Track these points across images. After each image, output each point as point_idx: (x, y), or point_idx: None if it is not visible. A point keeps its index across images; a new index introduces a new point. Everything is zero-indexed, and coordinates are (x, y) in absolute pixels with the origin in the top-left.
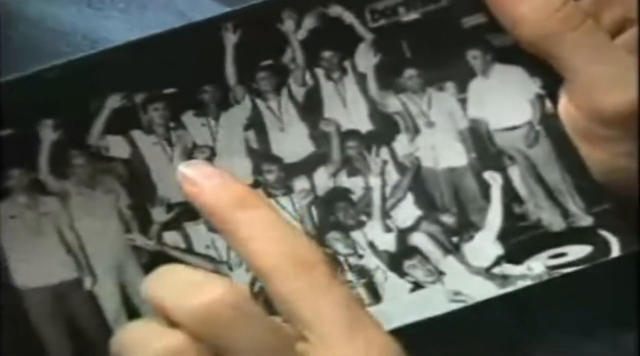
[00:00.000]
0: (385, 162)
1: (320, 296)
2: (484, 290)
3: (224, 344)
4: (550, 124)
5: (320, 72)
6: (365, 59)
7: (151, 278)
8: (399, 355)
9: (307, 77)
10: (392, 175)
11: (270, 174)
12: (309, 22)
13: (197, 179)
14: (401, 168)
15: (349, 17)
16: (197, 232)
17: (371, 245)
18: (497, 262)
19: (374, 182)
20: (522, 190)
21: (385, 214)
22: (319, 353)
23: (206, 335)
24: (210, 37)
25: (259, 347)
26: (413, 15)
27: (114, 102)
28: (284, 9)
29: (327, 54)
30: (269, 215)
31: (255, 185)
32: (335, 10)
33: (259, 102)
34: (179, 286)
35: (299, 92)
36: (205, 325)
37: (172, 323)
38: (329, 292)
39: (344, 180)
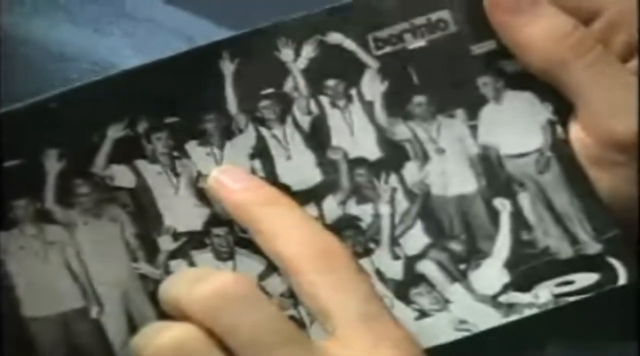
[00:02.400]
0: (394, 190)
1: (341, 289)
2: (489, 319)
3: (233, 333)
4: (561, 150)
5: (325, 100)
6: (372, 86)
7: (166, 281)
8: (414, 351)
9: (312, 105)
10: (402, 203)
11: None
12: (308, 51)
13: (227, 182)
14: (410, 195)
15: (350, 45)
16: (204, 260)
17: (378, 272)
18: (504, 289)
19: (383, 209)
20: (531, 217)
21: (394, 242)
22: (333, 344)
23: (215, 323)
24: (207, 65)
25: (268, 335)
26: (420, 43)
27: (116, 131)
28: (279, 37)
29: (331, 82)
30: (296, 212)
31: None
32: (335, 38)
33: (263, 130)
34: (189, 280)
35: (304, 120)
36: (214, 312)
37: (185, 319)
38: (350, 286)
39: (353, 208)
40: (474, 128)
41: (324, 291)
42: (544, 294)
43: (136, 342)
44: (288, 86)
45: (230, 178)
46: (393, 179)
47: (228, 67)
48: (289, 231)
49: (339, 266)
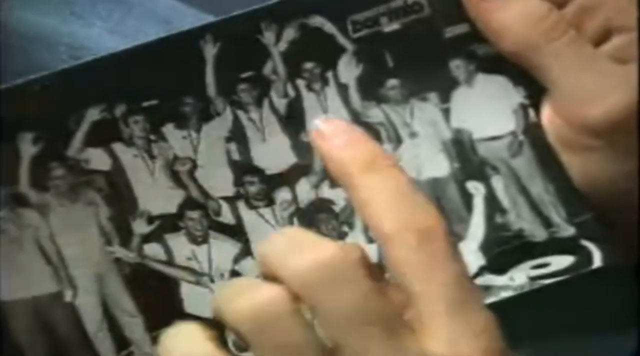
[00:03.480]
0: None
1: (434, 271)
2: None
3: (324, 307)
4: (533, 134)
5: (301, 83)
6: (347, 69)
7: (264, 241)
8: (493, 342)
9: (289, 88)
10: None
11: (252, 186)
12: (289, 34)
13: (329, 134)
14: None
15: (330, 28)
16: (178, 244)
17: None
18: (480, 272)
19: None
20: (504, 200)
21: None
22: (418, 328)
23: (307, 295)
24: (190, 49)
25: (361, 316)
26: (395, 26)
27: (94, 114)
28: (263, 20)
29: (308, 65)
30: (397, 179)
31: (237, 196)
32: (316, 21)
33: (240, 113)
34: (287, 246)
35: (281, 104)
36: (308, 284)
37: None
38: (443, 268)
39: (326, 191)
40: (446, 112)
41: (417, 270)
42: (519, 276)
43: (221, 295)
44: (267, 69)
45: (332, 130)
46: None
47: (210, 51)
48: (387, 200)
49: (434, 246)
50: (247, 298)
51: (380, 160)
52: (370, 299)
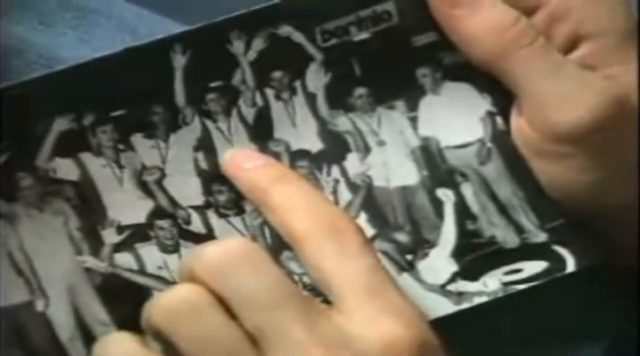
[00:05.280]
0: (337, 181)
1: (346, 260)
2: (440, 307)
3: (238, 294)
4: (501, 141)
5: (270, 92)
6: (316, 78)
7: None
8: (415, 321)
9: (257, 97)
10: (344, 194)
11: (221, 195)
12: (258, 43)
13: (240, 160)
14: (353, 187)
15: (299, 38)
16: (149, 253)
17: None
18: (453, 278)
19: None
20: (474, 207)
21: None
22: (335, 309)
23: (221, 285)
24: (159, 58)
25: (269, 296)
26: (364, 35)
27: (61, 124)
28: (233, 30)
29: (277, 74)
30: (308, 188)
31: (206, 205)
32: (285, 30)
33: (208, 123)
34: (199, 247)
35: (249, 113)
36: (220, 273)
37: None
38: (355, 257)
39: None
40: (413, 120)
41: (329, 263)
42: (492, 282)
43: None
44: (236, 79)
45: (243, 158)
46: (335, 171)
47: (179, 61)
48: (298, 206)
49: (345, 238)
50: (167, 295)
51: (291, 174)
52: (281, 281)
